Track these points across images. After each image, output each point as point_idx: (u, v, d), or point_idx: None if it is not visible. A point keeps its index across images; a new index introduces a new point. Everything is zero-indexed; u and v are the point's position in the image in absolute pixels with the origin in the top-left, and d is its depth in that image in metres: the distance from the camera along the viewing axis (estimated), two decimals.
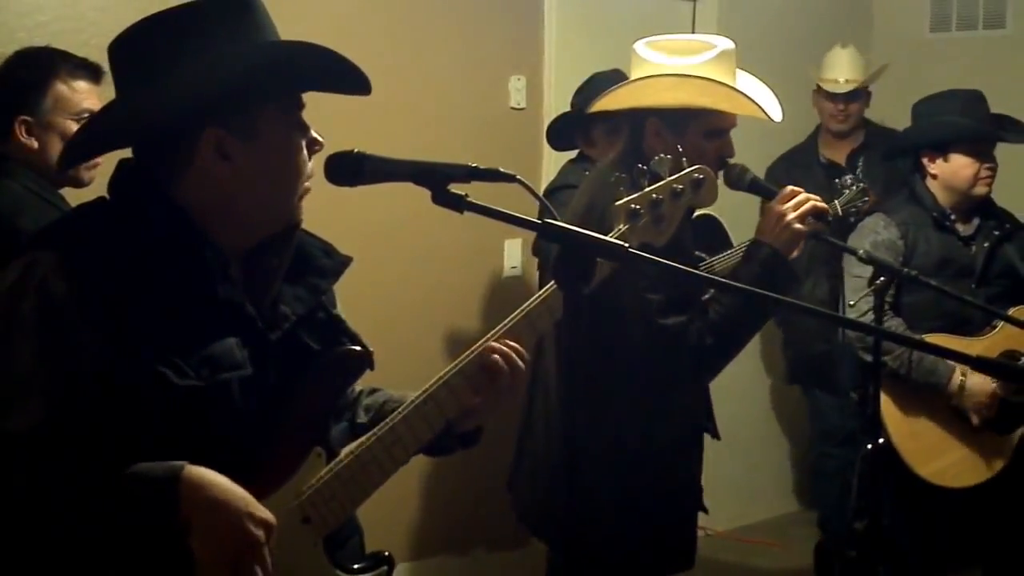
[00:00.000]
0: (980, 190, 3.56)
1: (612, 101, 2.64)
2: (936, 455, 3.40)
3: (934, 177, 3.57)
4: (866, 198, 3.23)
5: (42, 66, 2.80)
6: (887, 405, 3.38)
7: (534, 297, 1.82)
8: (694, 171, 2.00)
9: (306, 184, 1.70)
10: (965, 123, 3.56)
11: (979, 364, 1.59)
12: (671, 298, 2.45)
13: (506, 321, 1.81)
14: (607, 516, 2.54)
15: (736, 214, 3.48)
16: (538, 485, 2.73)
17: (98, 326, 1.51)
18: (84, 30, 3.25)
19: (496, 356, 1.76)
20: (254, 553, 1.52)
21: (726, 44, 2.55)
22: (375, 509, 4.49)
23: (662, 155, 2.00)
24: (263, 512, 1.55)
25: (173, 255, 1.60)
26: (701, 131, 2.51)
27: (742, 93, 2.51)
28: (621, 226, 1.92)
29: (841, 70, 4.78)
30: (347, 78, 1.68)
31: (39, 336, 1.51)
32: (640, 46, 2.60)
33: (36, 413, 1.49)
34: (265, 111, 1.63)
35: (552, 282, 1.77)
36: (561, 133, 3.94)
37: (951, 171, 3.55)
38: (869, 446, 2.92)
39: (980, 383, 3.39)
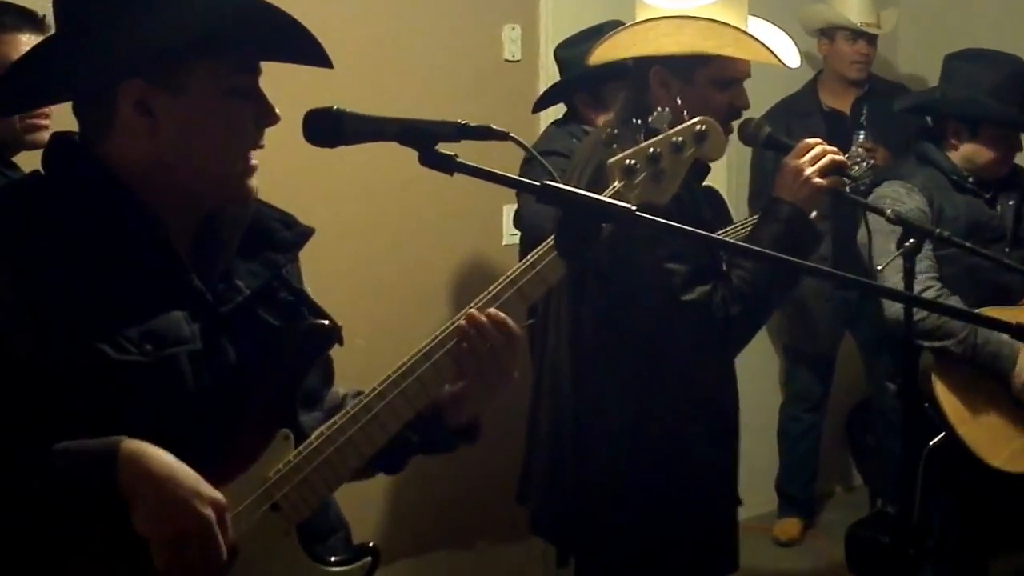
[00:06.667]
0: (999, 171, 3.45)
1: (610, 49, 2.50)
2: (1003, 443, 3.27)
3: (955, 147, 3.45)
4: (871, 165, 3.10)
5: None
6: (945, 396, 3.25)
7: (522, 263, 1.71)
8: (696, 123, 1.90)
9: (253, 161, 1.60)
10: (1000, 109, 3.40)
11: None
12: (694, 268, 2.30)
13: (491, 288, 1.70)
14: (633, 517, 2.40)
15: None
16: (553, 494, 2.55)
17: (25, 304, 1.46)
18: None
19: (474, 333, 1.66)
20: (203, 534, 1.44)
21: None
22: (376, 505, 4.45)
23: (660, 109, 1.93)
24: (211, 491, 1.47)
25: (104, 225, 1.53)
26: (710, 80, 2.37)
27: (752, 36, 2.37)
28: (616, 183, 1.82)
29: (860, 12, 4.46)
30: (302, 48, 1.58)
31: None
32: None
33: None
34: (198, 67, 1.53)
35: (540, 248, 1.70)
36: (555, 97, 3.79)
37: (974, 150, 3.42)
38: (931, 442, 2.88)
39: None
